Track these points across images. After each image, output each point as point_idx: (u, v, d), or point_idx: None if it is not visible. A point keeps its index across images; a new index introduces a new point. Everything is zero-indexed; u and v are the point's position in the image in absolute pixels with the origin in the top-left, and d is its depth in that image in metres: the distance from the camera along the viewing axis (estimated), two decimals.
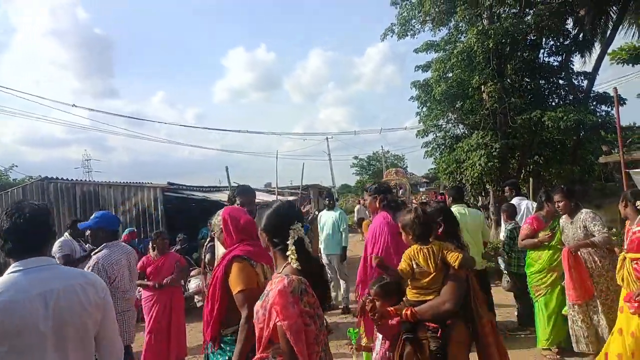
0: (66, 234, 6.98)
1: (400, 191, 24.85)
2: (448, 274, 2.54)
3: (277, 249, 2.09)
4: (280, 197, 14.48)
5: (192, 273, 8.86)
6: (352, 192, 49.71)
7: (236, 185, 16.64)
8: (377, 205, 3.89)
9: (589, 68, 14.51)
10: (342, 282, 7.42)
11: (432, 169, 24.72)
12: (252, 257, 2.71)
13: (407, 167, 47.66)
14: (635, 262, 3.84)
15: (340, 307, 7.42)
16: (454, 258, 2.53)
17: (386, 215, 3.79)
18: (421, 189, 37.63)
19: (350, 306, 7.27)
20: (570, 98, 14.10)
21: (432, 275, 2.58)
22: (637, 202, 4.03)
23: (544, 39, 14.09)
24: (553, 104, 14.02)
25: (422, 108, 15.65)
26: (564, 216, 5.05)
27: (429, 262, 2.59)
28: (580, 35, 14.52)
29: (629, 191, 4.32)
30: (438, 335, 2.46)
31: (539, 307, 5.27)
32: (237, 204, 3.31)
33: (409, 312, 2.53)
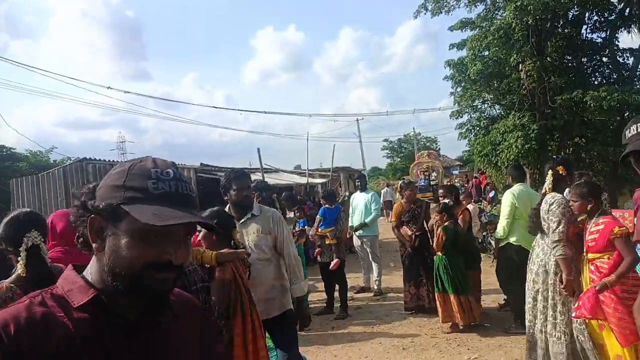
0: None
1: (433, 174, 24.51)
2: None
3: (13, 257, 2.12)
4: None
5: None
6: (383, 175, 49.36)
7: (267, 167, 16.74)
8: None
9: (635, 44, 13.80)
10: (374, 264, 7.37)
11: (466, 151, 24.25)
12: (60, 263, 2.78)
13: (439, 149, 46.71)
14: (592, 263, 3.48)
15: (373, 289, 7.39)
16: (208, 258, 2.57)
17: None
18: (454, 172, 36.93)
19: (382, 289, 7.25)
20: (615, 76, 13.48)
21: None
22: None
23: (587, 14, 13.44)
24: (596, 82, 13.45)
25: (456, 88, 15.27)
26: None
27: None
28: (627, 10, 13.76)
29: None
30: None
31: None
32: (234, 189, 3.19)
33: None
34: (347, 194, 14.69)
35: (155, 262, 0.91)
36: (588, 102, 11.56)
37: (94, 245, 0.94)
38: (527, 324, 4.07)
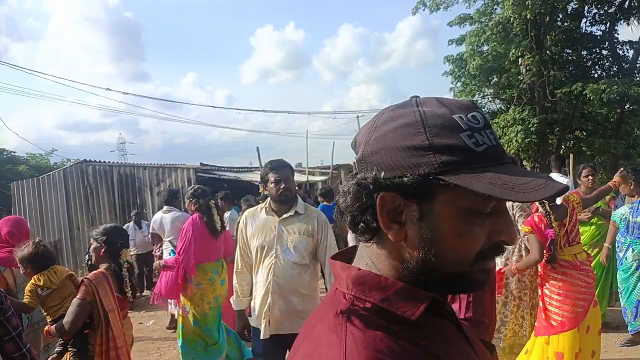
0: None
1: None
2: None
3: None
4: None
5: None
6: None
7: None
8: (192, 208, 4.35)
9: (636, 37, 13.74)
10: None
11: None
12: (7, 263, 3.13)
13: None
14: None
15: None
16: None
17: (196, 217, 4.21)
18: None
19: None
20: (615, 69, 13.44)
21: (56, 293, 2.85)
22: None
23: (586, 7, 13.38)
24: (595, 75, 13.40)
25: (456, 83, 15.22)
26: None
27: (52, 280, 2.86)
28: (626, 2, 13.70)
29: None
30: (75, 348, 2.70)
31: None
32: (271, 182, 2.84)
33: (46, 330, 2.78)
34: None
35: (487, 247, 0.66)
36: (588, 95, 11.51)
37: (390, 232, 0.66)
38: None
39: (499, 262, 3.77)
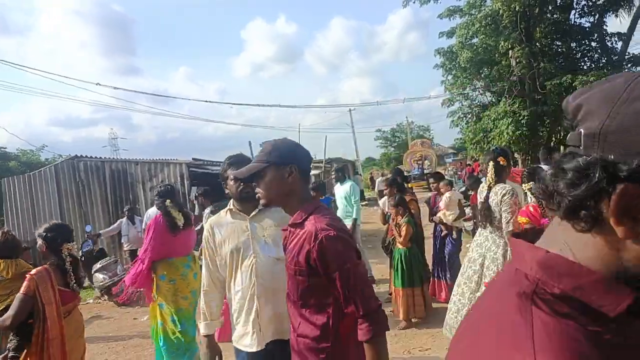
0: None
1: (426, 163, 24.58)
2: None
3: None
4: None
5: None
6: (377, 165, 49.38)
7: None
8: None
9: (624, 28, 13.85)
10: None
11: (458, 139, 24.27)
12: None
13: (433, 138, 46.76)
14: None
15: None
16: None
17: (158, 216, 4.33)
18: (448, 160, 37.05)
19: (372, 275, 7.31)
20: (604, 61, 13.54)
21: (5, 282, 3.23)
22: None
23: None
24: (585, 67, 13.50)
25: (447, 76, 15.30)
26: None
27: (9, 270, 3.26)
28: None
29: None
30: (17, 337, 2.87)
31: None
32: (231, 179, 2.56)
33: None
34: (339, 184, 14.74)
35: None
36: (577, 87, 11.58)
37: (620, 228, 0.56)
38: (455, 306, 4.05)
39: (497, 256, 3.81)
